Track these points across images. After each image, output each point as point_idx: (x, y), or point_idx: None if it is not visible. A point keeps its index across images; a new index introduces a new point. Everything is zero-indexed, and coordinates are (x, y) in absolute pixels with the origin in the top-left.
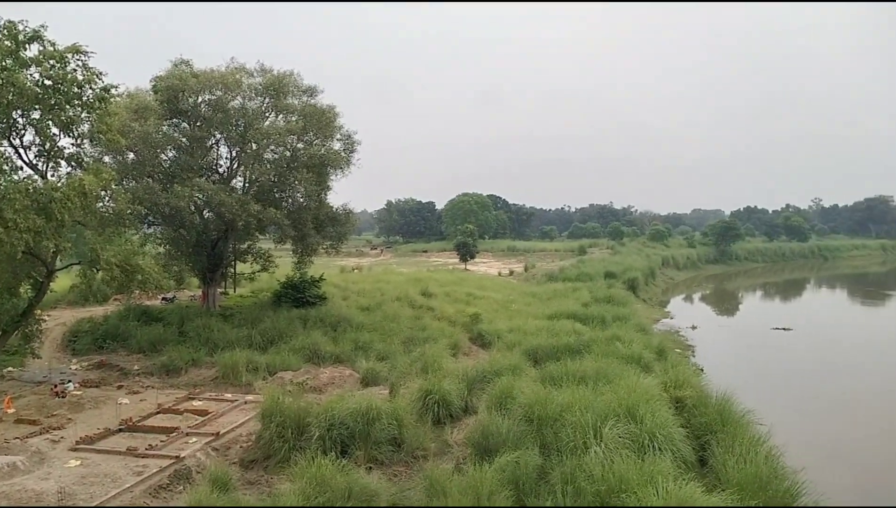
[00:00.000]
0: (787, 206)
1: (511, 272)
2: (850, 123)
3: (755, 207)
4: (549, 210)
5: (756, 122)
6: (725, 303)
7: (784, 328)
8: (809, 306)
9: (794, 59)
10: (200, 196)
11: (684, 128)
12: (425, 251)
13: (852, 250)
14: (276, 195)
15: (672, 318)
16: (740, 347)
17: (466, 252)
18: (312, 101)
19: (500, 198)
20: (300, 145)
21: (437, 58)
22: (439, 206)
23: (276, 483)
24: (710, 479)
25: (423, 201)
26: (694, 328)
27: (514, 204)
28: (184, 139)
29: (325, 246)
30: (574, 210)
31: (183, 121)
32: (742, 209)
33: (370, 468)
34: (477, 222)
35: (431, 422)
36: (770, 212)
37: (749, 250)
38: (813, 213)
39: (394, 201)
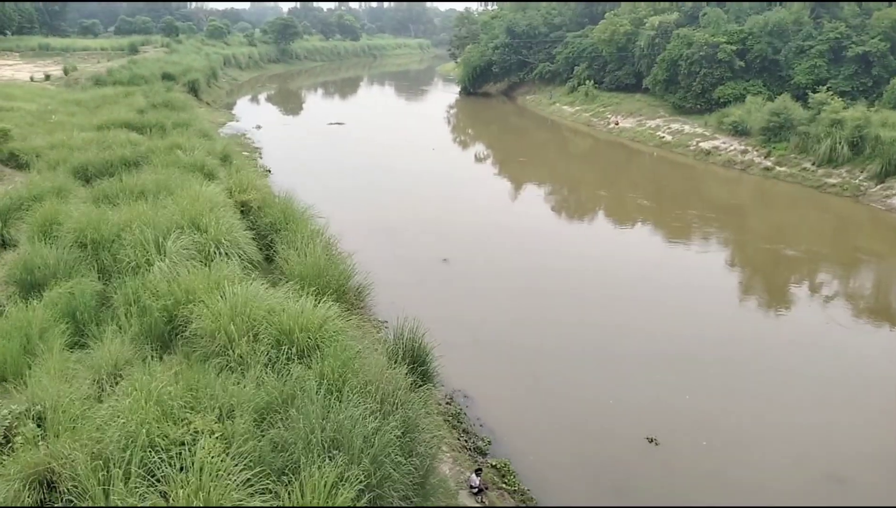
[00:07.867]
0: (339, 4)
1: (47, 77)
2: None
3: (311, 4)
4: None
5: None
6: (290, 102)
7: (338, 123)
8: (363, 101)
9: None
10: None
11: None
12: None
13: (396, 49)
14: None
15: (238, 121)
16: (303, 144)
17: None
18: None
19: None
20: None
21: None
22: None
23: None
24: (276, 275)
25: None
26: (259, 127)
27: None
28: None
29: None
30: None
31: None
32: (299, 6)
33: None
34: None
35: None
36: (325, 10)
37: (308, 49)
38: (362, 12)
39: None
